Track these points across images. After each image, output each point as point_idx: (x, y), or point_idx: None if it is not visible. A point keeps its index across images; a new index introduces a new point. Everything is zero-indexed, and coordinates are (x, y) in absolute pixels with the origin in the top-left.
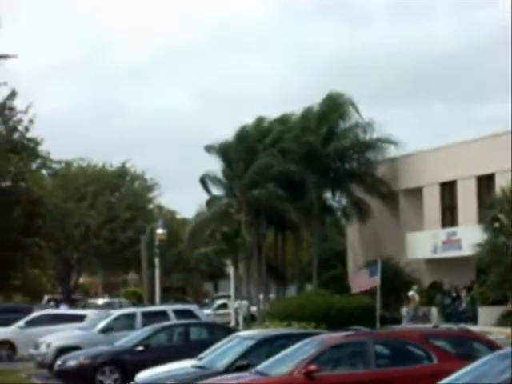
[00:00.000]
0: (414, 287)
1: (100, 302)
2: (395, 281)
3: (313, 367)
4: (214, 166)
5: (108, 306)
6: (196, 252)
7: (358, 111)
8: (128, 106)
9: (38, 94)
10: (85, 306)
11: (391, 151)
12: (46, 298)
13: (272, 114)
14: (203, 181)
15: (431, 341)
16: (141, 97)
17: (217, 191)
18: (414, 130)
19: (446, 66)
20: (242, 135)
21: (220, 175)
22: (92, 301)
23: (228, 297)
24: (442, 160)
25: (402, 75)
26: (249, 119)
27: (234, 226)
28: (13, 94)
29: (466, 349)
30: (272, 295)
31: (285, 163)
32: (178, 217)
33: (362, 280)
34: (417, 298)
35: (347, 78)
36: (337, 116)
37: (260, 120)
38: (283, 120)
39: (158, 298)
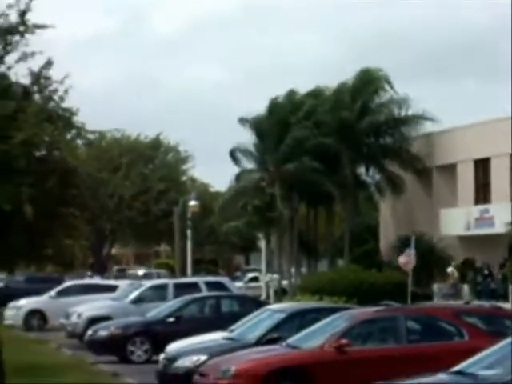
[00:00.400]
0: (453, 263)
1: (140, 272)
2: (428, 257)
3: (344, 341)
4: (248, 139)
5: (146, 276)
6: (227, 225)
7: (392, 87)
8: (162, 78)
9: (74, 64)
10: (117, 277)
11: (426, 127)
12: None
13: (305, 87)
14: (233, 154)
15: (463, 317)
16: (175, 69)
17: (248, 164)
18: (449, 105)
19: (481, 41)
20: (274, 108)
21: (251, 148)
22: (132, 271)
23: (259, 270)
24: (477, 137)
25: (438, 51)
26: (282, 92)
27: (265, 200)
28: (49, 64)
29: (498, 326)
30: (303, 269)
31: (319, 137)
32: (211, 190)
33: (408, 258)
34: (456, 274)
35: (381, 52)
36: (371, 91)
37: (291, 93)
38: (316, 94)
39: (189, 270)
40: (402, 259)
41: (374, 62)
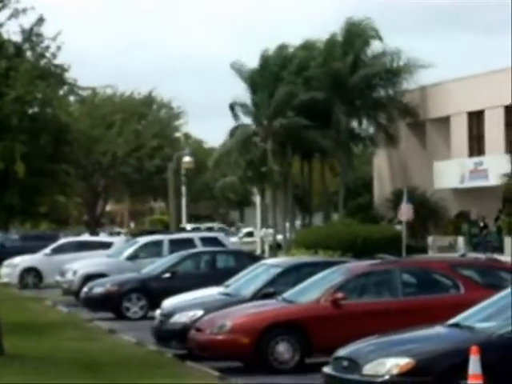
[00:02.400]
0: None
1: (189, 227)
2: (422, 210)
3: (339, 295)
4: (241, 94)
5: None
6: (222, 181)
7: (380, 37)
8: (153, 34)
9: (65, 21)
10: (112, 234)
11: (419, 80)
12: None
13: (296, 40)
14: (232, 108)
15: (458, 270)
16: (164, 25)
17: (244, 119)
18: (443, 59)
19: None
20: (265, 62)
21: (248, 102)
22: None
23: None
24: (470, 89)
25: (431, 5)
26: (272, 45)
27: (258, 155)
28: (40, 20)
29: (494, 278)
30: (298, 224)
31: (310, 91)
32: (205, 146)
33: (407, 210)
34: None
35: (373, 5)
36: (361, 43)
37: (282, 47)
38: (307, 47)
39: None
40: (402, 211)
41: (366, 13)
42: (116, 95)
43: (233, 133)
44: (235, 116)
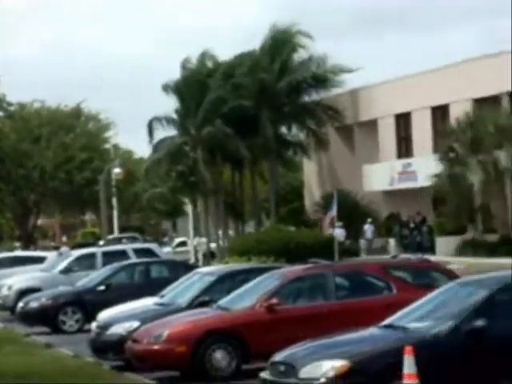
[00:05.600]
0: None
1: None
2: (353, 213)
3: (274, 301)
4: (169, 105)
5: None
6: (150, 192)
7: (311, 37)
8: (83, 47)
9: None
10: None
11: (347, 84)
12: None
13: (225, 50)
14: (150, 125)
15: (390, 271)
16: (95, 38)
17: (170, 132)
18: (372, 63)
19: None
20: (187, 71)
21: (173, 114)
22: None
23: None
24: (397, 91)
25: (361, 7)
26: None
27: (188, 165)
28: None
29: (425, 278)
30: (231, 232)
31: (237, 99)
32: (135, 156)
33: (326, 219)
34: None
35: (306, 13)
36: (289, 49)
37: (205, 54)
38: (239, 58)
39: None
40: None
41: (292, 19)
42: (43, 108)
43: (157, 147)
44: (150, 134)
